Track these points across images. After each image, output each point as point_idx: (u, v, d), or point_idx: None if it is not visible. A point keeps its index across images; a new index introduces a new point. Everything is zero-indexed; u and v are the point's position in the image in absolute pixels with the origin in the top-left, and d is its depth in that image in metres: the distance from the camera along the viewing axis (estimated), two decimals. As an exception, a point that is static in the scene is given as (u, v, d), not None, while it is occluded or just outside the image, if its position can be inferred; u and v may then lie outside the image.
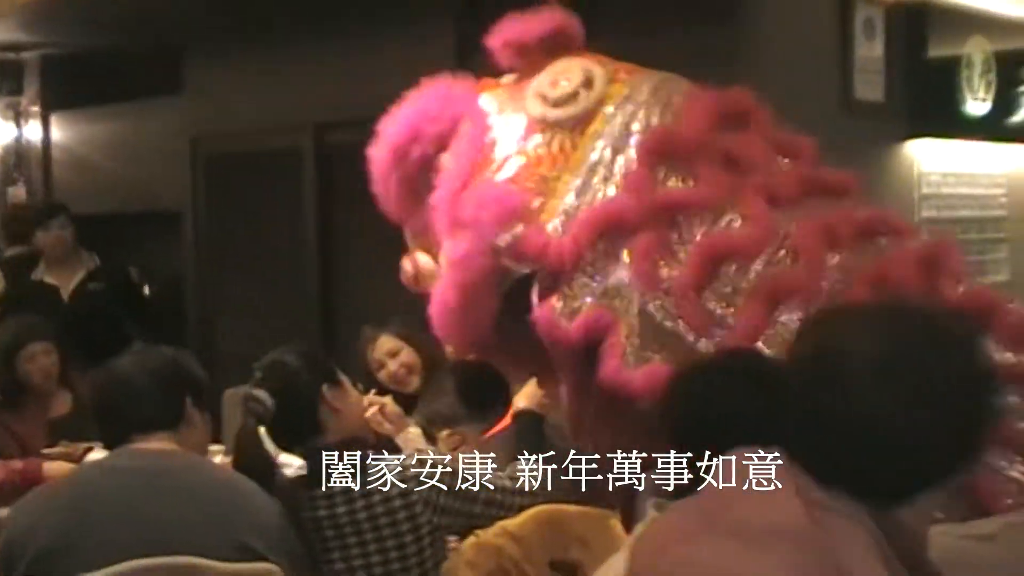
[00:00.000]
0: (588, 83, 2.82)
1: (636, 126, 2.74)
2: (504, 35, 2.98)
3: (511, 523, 3.01)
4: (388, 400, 3.93)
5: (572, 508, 3.09)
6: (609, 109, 2.78)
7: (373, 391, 4.03)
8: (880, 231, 2.66)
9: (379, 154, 2.95)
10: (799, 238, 2.52)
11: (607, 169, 2.70)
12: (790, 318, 2.45)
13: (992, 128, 5.98)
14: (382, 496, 2.93)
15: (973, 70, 5.83)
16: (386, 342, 4.27)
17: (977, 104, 5.86)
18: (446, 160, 2.86)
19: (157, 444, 2.76)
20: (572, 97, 2.81)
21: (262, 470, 2.91)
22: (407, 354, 4.24)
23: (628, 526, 2.72)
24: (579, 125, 2.78)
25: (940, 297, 2.49)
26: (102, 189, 7.64)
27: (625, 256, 2.61)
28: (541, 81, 2.87)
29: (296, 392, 3.05)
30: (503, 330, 2.80)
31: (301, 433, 3.02)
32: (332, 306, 6.31)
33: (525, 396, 3.40)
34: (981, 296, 2.55)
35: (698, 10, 4.88)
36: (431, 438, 3.84)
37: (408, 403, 4.09)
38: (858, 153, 5.29)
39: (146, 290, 7.45)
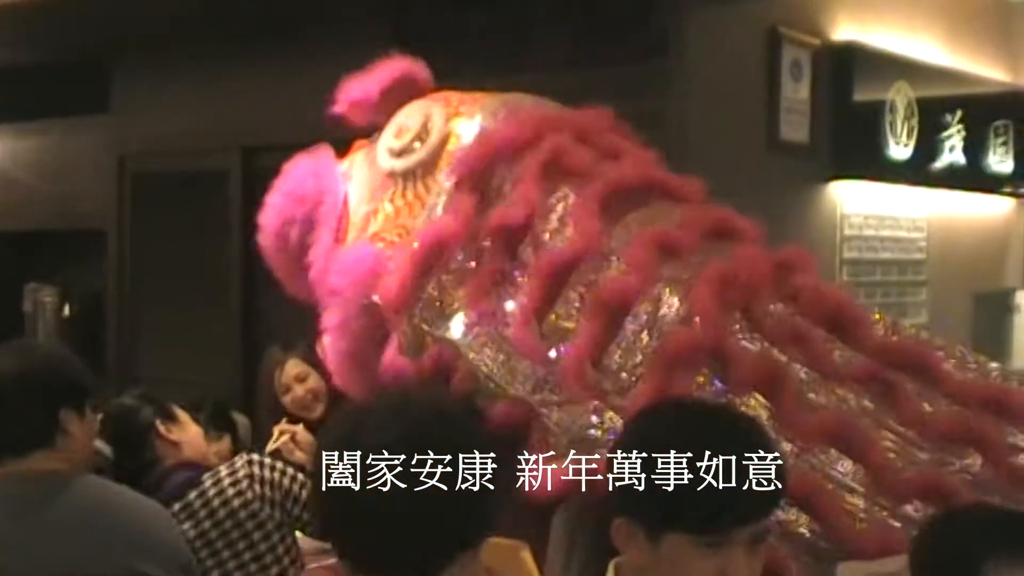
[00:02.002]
0: (427, 127, 2.86)
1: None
2: (348, 98, 3.05)
3: None
4: (300, 428, 3.89)
5: None
6: (451, 147, 2.83)
7: (284, 420, 3.99)
8: (725, 231, 2.72)
9: (264, 243, 3.07)
10: (696, 292, 2.55)
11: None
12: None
13: (913, 173, 6.08)
14: (221, 501, 2.98)
15: (896, 115, 5.93)
16: (294, 367, 4.17)
17: (899, 148, 5.96)
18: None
19: (34, 465, 2.56)
20: (414, 145, 2.87)
21: None
22: (314, 380, 4.11)
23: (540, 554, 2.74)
24: (427, 169, 2.84)
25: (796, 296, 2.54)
26: (27, 205, 7.54)
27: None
28: (387, 134, 2.94)
29: (131, 431, 3.14)
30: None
31: (139, 469, 3.07)
32: (255, 330, 6.27)
33: None
34: (831, 299, 2.60)
35: (626, 46, 4.93)
36: None
37: (313, 430, 4.01)
38: (782, 193, 5.36)
39: (66, 309, 7.38)
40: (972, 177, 6.56)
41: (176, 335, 6.52)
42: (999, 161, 6.78)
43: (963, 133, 6.41)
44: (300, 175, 3.07)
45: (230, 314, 6.32)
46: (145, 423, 3.18)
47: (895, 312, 6.05)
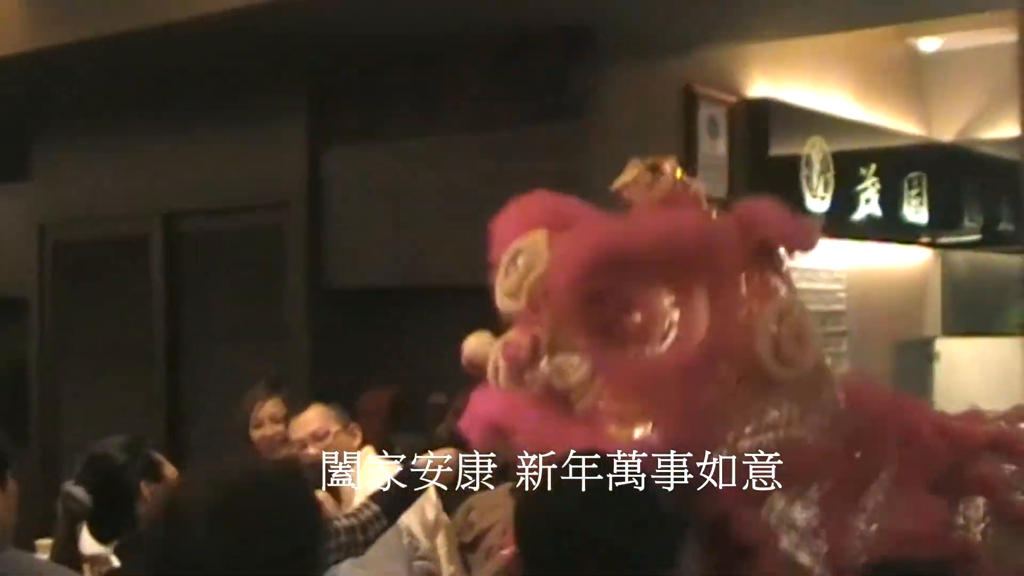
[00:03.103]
0: None
1: None
2: None
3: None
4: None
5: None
6: None
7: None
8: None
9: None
10: None
11: None
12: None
13: (831, 225, 6.16)
14: None
15: (812, 169, 6.03)
16: (273, 405, 4.18)
17: (817, 202, 6.05)
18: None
19: None
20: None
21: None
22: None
23: None
24: None
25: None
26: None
27: None
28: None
29: (115, 489, 3.04)
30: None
31: (119, 527, 2.99)
32: (179, 397, 6.22)
33: None
34: None
35: (544, 106, 4.98)
36: None
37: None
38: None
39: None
40: (889, 228, 6.68)
41: (99, 403, 6.45)
42: (914, 212, 6.91)
43: (878, 186, 6.53)
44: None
45: (154, 381, 6.27)
46: (132, 483, 3.05)
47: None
